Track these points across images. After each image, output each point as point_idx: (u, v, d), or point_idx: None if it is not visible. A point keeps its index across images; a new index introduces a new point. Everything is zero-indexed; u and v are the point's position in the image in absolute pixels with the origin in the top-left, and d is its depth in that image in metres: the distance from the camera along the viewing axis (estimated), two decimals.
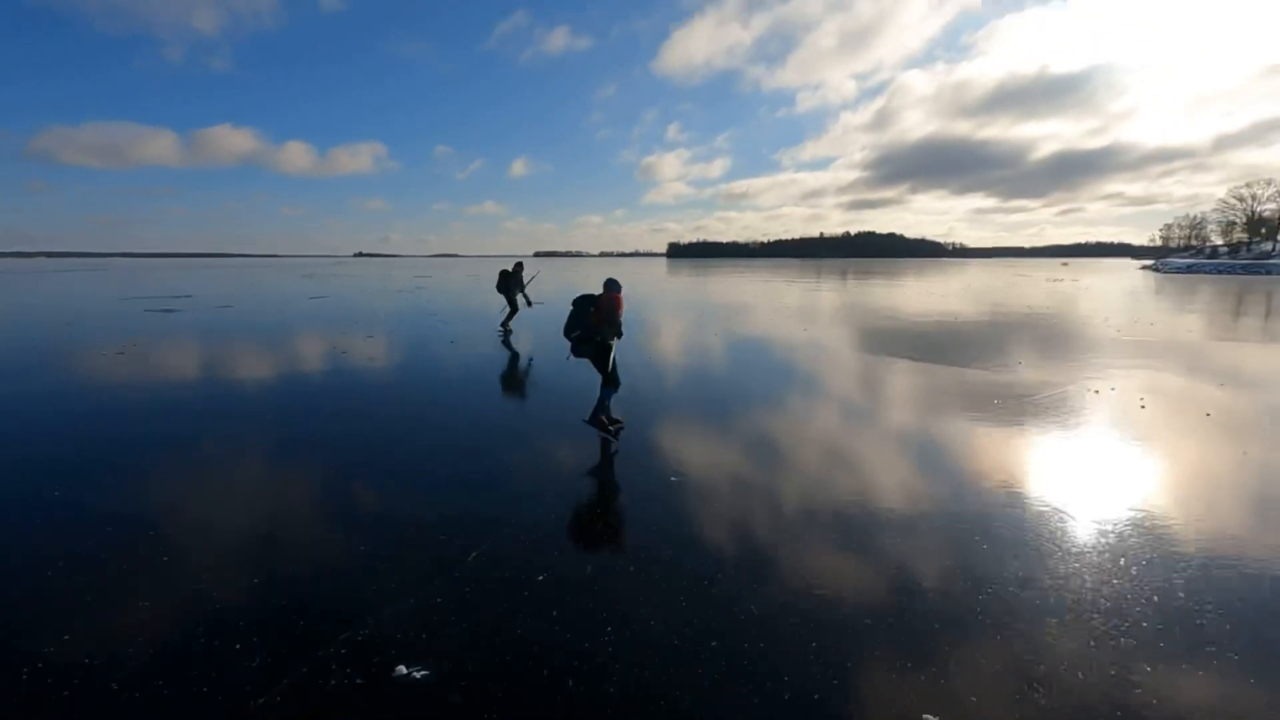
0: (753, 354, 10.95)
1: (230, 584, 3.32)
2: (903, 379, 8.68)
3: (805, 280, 43.58)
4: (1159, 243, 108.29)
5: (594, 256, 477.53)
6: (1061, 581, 3.30)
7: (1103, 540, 3.79)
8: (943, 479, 4.84)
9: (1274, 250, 72.23)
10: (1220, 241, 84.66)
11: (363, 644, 2.81)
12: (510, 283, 13.73)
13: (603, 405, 5.87)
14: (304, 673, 2.63)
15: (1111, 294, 28.37)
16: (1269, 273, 55.20)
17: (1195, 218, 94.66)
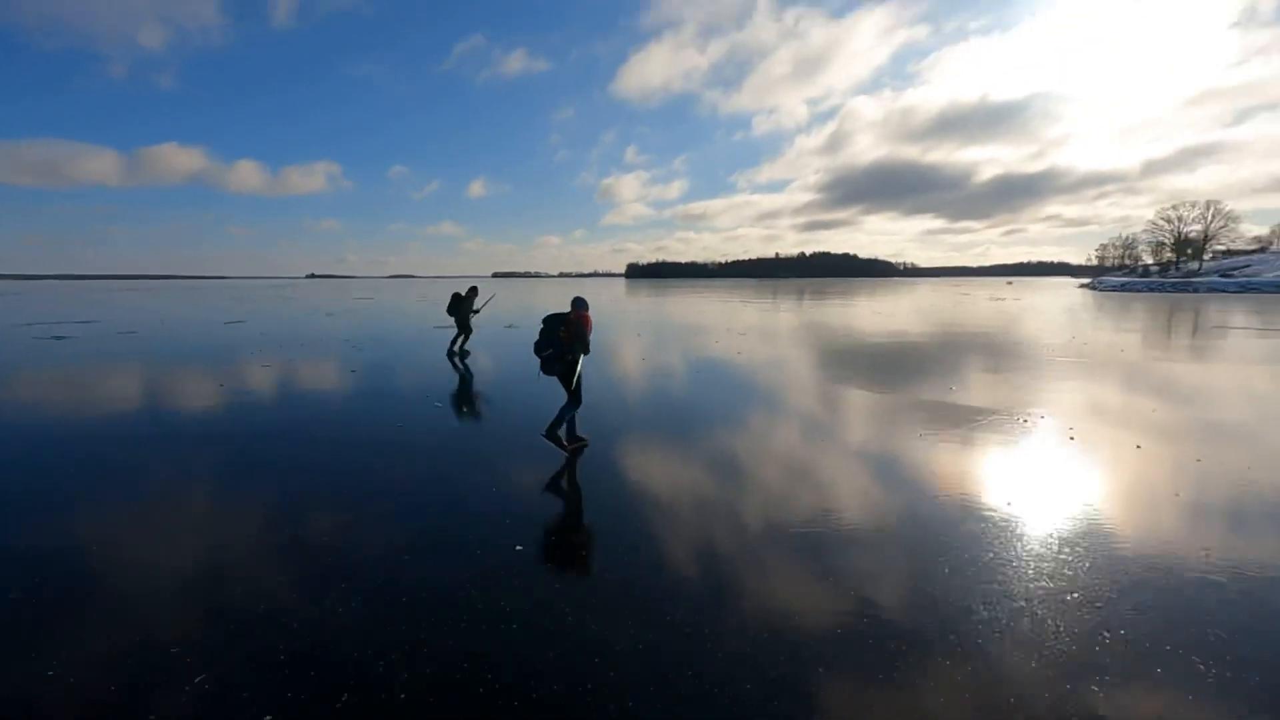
0: (697, 376, 10.19)
1: (162, 624, 3.18)
2: (830, 406, 8.01)
3: (761, 300, 43.49)
4: (1095, 262, 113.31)
5: (554, 277, 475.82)
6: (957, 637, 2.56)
7: (997, 590, 3.07)
8: (844, 511, 4.10)
9: (1200, 269, 76.03)
10: (1151, 261, 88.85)
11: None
12: (462, 306, 13.56)
13: (560, 421, 6.01)
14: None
15: (1050, 313, 28.82)
16: (1196, 290, 57.79)
17: (1128, 238, 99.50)
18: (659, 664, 2.82)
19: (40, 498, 4.93)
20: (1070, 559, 3.78)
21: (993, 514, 4.49)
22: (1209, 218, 77.96)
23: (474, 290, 13.98)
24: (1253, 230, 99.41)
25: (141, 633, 3.07)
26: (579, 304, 5.98)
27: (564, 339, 5.83)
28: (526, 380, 9.89)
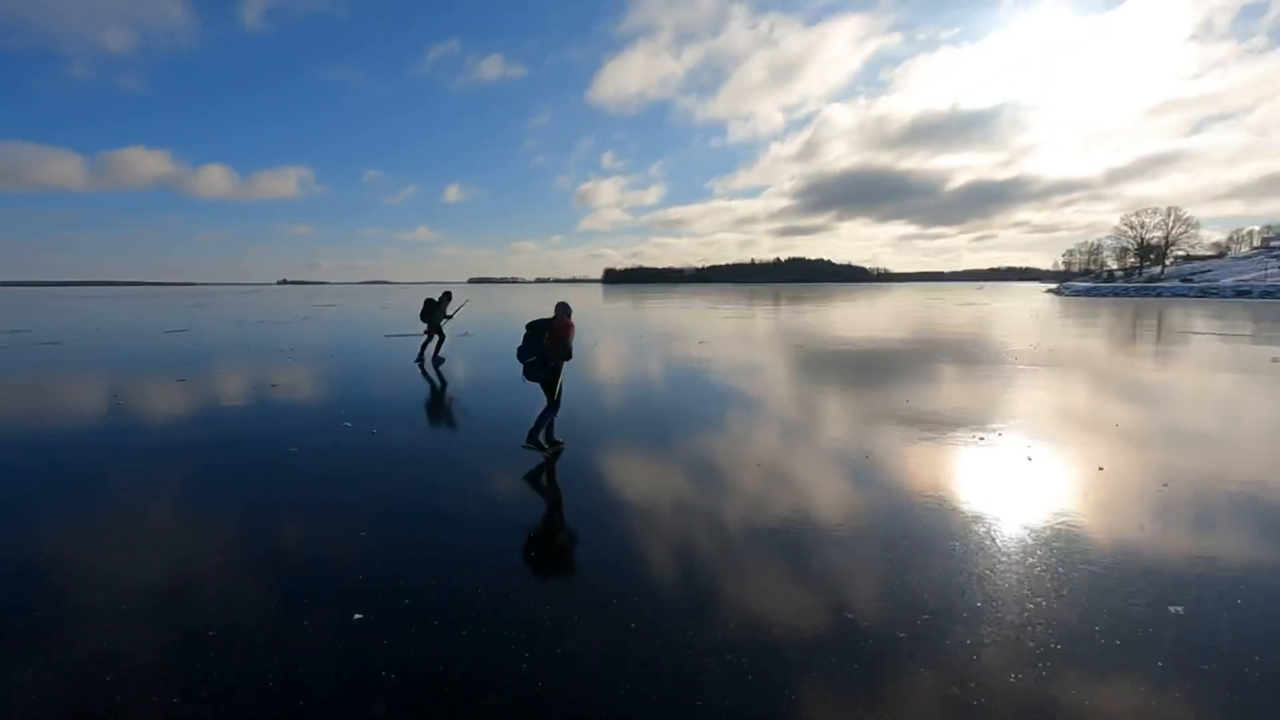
0: (642, 388, 9.53)
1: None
2: (776, 420, 7.40)
3: (732, 306, 43.08)
4: (1062, 267, 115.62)
5: (530, 283, 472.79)
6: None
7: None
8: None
9: (1162, 274, 77.73)
10: (1115, 266, 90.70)
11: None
12: (435, 311, 13.19)
13: (540, 427, 6.04)
14: None
15: (1017, 318, 28.80)
16: (1159, 295, 58.84)
17: (1093, 244, 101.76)
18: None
19: None
20: (1018, 620, 3.17)
21: (936, 553, 3.88)
22: (1170, 224, 79.85)
23: (447, 295, 13.67)
24: (1212, 236, 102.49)
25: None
26: (563, 309, 5.95)
27: (547, 345, 5.79)
28: (480, 394, 9.16)
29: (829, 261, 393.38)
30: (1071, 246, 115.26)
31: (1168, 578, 3.59)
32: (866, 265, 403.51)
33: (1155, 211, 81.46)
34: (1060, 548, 3.98)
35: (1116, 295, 60.68)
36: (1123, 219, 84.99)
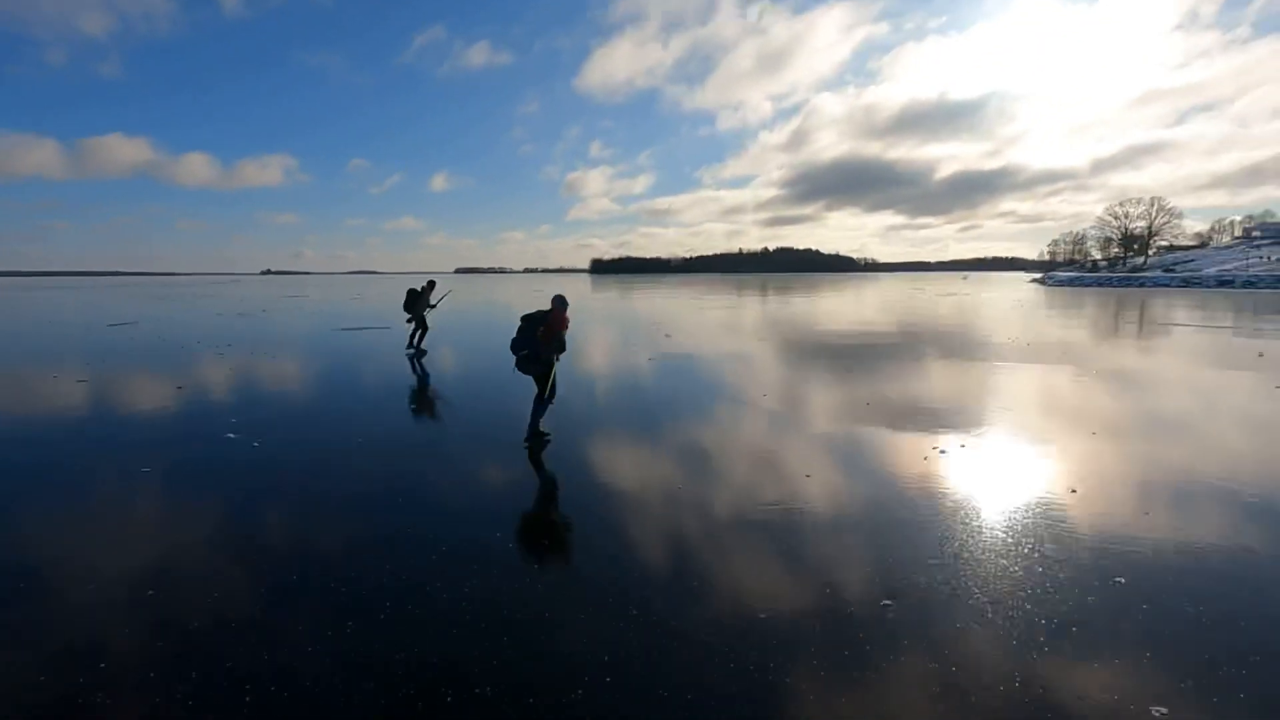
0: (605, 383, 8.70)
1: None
2: (715, 429, 6.58)
3: (716, 297, 42.30)
4: (1047, 257, 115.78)
5: (518, 273, 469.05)
6: None
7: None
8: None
9: (1145, 264, 77.85)
10: (1099, 255, 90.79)
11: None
12: (419, 301, 13.12)
13: (536, 422, 6.04)
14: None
15: (1000, 308, 28.31)
16: (1142, 284, 58.72)
17: (1078, 234, 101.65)
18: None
19: None
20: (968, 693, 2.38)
21: (864, 606, 3.08)
22: (1153, 214, 79.85)
23: (431, 285, 13.60)
24: (1194, 226, 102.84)
25: None
26: (559, 303, 5.79)
27: (542, 338, 5.72)
28: (398, 393, 8.27)
29: (817, 252, 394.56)
30: (1056, 236, 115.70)
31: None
32: (854, 255, 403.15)
33: (1139, 201, 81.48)
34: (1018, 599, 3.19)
35: (1100, 285, 60.48)
36: (1107, 209, 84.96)
